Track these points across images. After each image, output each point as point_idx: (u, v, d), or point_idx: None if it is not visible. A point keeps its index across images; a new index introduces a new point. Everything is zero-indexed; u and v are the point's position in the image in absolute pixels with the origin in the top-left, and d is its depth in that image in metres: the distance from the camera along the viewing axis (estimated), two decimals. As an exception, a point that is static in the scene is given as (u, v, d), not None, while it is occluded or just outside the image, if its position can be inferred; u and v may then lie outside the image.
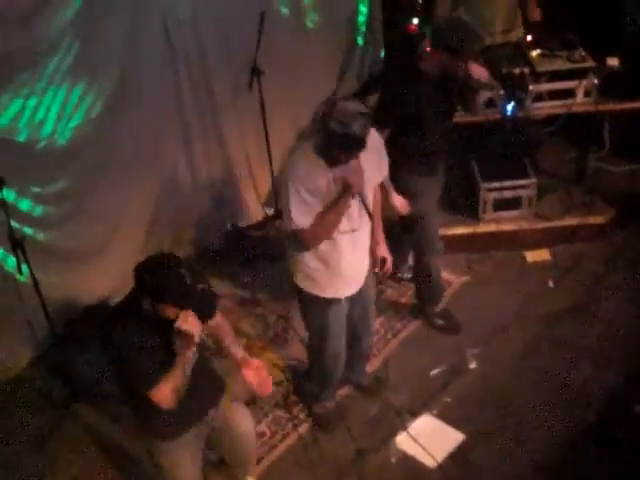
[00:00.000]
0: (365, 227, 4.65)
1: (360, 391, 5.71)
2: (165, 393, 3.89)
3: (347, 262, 4.65)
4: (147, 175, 6.34)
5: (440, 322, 6.16)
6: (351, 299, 4.91)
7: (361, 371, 5.68)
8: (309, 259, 4.63)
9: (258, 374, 4.34)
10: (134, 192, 6.29)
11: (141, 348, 3.86)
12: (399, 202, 5.42)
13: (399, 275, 6.52)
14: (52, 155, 5.59)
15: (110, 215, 6.17)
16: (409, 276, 6.45)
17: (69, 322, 6.18)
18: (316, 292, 4.78)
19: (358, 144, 4.15)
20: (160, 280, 3.76)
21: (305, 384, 5.60)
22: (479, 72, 5.37)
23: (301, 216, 4.35)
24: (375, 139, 4.47)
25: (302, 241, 4.49)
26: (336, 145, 4.19)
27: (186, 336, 3.81)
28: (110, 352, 3.98)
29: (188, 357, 3.89)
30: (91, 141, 5.76)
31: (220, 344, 4.41)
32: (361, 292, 4.93)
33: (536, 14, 7.05)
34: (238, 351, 4.41)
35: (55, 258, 5.86)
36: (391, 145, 4.91)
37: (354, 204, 4.42)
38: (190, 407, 4.13)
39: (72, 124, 5.62)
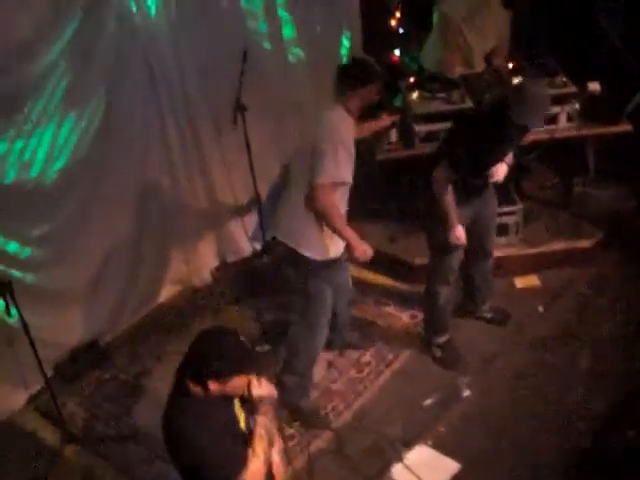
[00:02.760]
0: None
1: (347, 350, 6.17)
2: (258, 469, 3.62)
3: None
4: (133, 214, 6.35)
5: (439, 354, 6.13)
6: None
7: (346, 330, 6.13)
8: (318, 226, 5.15)
9: (277, 459, 4.11)
10: (120, 232, 6.29)
11: (213, 436, 3.54)
12: (461, 234, 5.56)
13: (478, 314, 6.46)
14: (40, 197, 5.60)
15: (97, 255, 6.18)
16: (489, 315, 6.43)
17: (59, 364, 6.15)
18: (328, 256, 5.26)
19: (379, 73, 5.21)
20: (225, 355, 3.52)
21: (286, 379, 5.58)
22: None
23: (333, 170, 4.96)
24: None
25: (319, 198, 4.99)
26: (362, 70, 5.18)
27: (266, 401, 3.71)
28: (183, 452, 3.57)
29: (267, 424, 3.72)
30: (77, 182, 5.79)
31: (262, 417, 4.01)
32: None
33: (498, 61, 7.17)
34: (275, 427, 4.05)
35: (43, 300, 5.84)
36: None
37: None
38: None
39: (58, 165, 5.63)
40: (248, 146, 6.17)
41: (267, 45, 6.99)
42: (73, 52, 5.42)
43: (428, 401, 5.76)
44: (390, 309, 6.69)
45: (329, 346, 5.93)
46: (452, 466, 5.24)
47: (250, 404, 3.76)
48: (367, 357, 6.21)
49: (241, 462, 3.59)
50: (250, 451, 3.65)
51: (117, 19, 5.67)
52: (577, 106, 6.49)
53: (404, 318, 6.54)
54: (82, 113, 5.66)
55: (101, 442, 5.70)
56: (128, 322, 6.62)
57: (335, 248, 5.27)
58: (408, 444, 5.42)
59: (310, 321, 5.44)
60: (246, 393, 3.72)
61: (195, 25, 6.24)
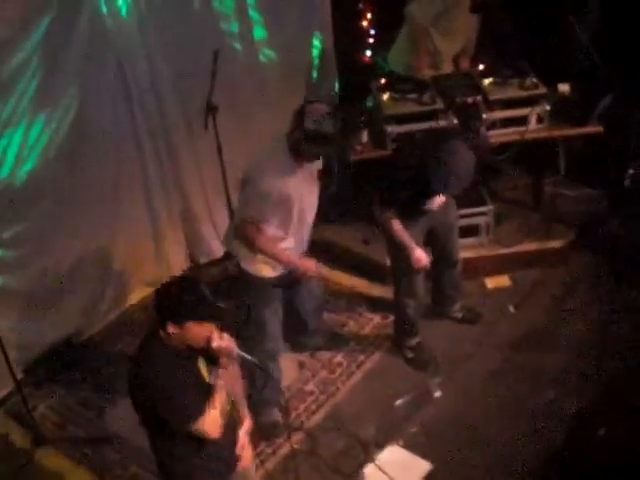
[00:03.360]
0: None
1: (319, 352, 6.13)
2: (215, 419, 3.78)
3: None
4: (105, 216, 6.31)
5: (410, 355, 6.18)
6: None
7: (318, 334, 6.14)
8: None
9: (245, 440, 4.28)
10: (92, 233, 6.25)
11: (176, 380, 3.72)
12: (422, 256, 5.58)
13: (449, 315, 6.49)
14: (9, 198, 5.56)
15: (68, 257, 6.14)
16: (460, 315, 6.46)
17: (29, 366, 6.11)
18: (264, 274, 5.19)
19: (332, 140, 4.67)
20: (183, 299, 3.69)
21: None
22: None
23: (259, 211, 4.87)
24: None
25: (251, 238, 4.98)
26: (310, 141, 4.64)
27: (224, 354, 3.78)
28: (142, 393, 3.78)
29: (230, 377, 3.83)
30: (47, 183, 5.75)
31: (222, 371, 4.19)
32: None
33: (466, 64, 7.22)
34: (243, 406, 4.31)
35: (14, 302, 5.82)
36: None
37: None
38: (225, 456, 4.10)
39: (28, 166, 5.59)
40: (219, 147, 6.16)
41: (238, 46, 6.98)
42: (43, 52, 5.39)
43: (400, 401, 5.77)
44: (362, 310, 6.70)
45: (302, 349, 6.01)
46: (424, 466, 5.24)
47: (213, 358, 3.85)
48: (339, 358, 6.22)
49: (199, 409, 3.74)
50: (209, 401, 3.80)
51: (88, 20, 5.63)
52: (547, 107, 6.52)
53: (376, 319, 6.56)
54: (52, 114, 5.63)
55: (74, 445, 5.67)
56: (100, 324, 6.58)
57: (271, 268, 5.23)
58: (380, 444, 5.43)
59: (257, 339, 5.39)
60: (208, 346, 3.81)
61: (166, 26, 6.21)
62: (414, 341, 6.17)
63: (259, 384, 5.46)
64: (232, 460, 4.18)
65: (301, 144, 4.72)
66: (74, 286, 6.25)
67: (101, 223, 6.31)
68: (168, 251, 6.95)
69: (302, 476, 5.28)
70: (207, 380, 3.88)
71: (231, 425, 4.09)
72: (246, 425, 4.28)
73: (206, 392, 3.82)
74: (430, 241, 5.91)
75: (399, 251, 5.59)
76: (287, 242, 5.13)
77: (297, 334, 6.03)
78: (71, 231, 6.06)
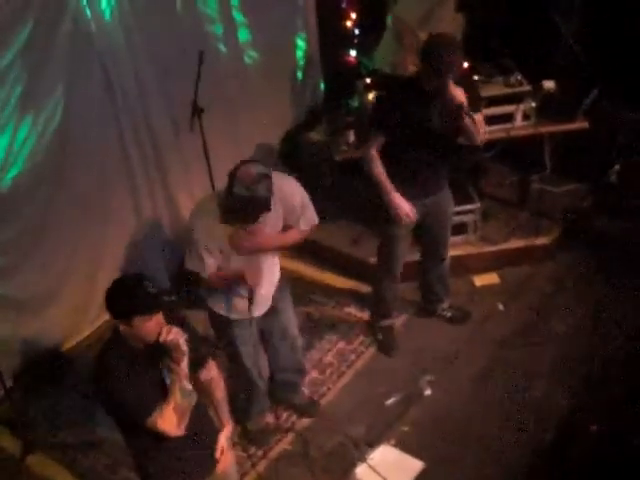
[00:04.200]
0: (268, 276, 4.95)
1: (294, 411, 5.82)
2: (169, 416, 3.76)
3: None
4: (92, 222, 6.29)
5: (380, 337, 6.31)
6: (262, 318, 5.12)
7: (295, 390, 5.79)
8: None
9: (224, 444, 4.27)
10: (80, 240, 6.24)
11: (132, 379, 3.73)
12: (401, 203, 5.46)
13: (438, 313, 6.47)
14: (-2, 203, 5.56)
15: (57, 262, 6.11)
16: (449, 314, 6.44)
17: (20, 372, 6.08)
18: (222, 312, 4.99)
19: (264, 206, 4.34)
20: (125, 294, 3.71)
21: (234, 401, 5.54)
22: (455, 93, 5.16)
23: (197, 264, 4.65)
24: (288, 193, 4.63)
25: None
26: (242, 208, 4.36)
27: (172, 348, 3.75)
28: (101, 393, 3.81)
29: (182, 372, 3.81)
30: (34, 188, 5.73)
31: (210, 397, 4.26)
32: (270, 310, 5.13)
33: (409, 66, 7.06)
34: (224, 411, 4.32)
35: (3, 309, 5.80)
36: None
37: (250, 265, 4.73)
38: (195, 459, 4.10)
39: (14, 172, 5.57)
40: (206, 148, 6.16)
41: (223, 48, 6.98)
42: (27, 56, 5.37)
43: (391, 400, 5.78)
44: (351, 309, 6.70)
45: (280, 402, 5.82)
46: (416, 465, 5.25)
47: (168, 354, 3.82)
48: (329, 358, 6.22)
49: (150, 407, 3.76)
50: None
51: (71, 23, 5.61)
52: (533, 104, 6.54)
53: (365, 318, 6.54)
54: (38, 118, 5.61)
55: (64, 450, 5.65)
56: (89, 329, 6.56)
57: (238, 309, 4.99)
58: (372, 444, 5.44)
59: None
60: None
61: (150, 28, 6.20)
62: (387, 323, 6.29)
63: (244, 395, 5.47)
64: (205, 462, 4.17)
65: (230, 210, 4.45)
66: (62, 292, 6.24)
67: (88, 228, 6.29)
68: (155, 253, 6.91)
69: (294, 477, 5.32)
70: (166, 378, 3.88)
71: (204, 428, 4.13)
72: (227, 430, 4.29)
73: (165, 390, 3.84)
74: (421, 232, 5.91)
75: (380, 213, 5.55)
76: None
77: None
78: (58, 236, 6.03)
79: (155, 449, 3.95)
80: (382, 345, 6.28)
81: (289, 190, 4.67)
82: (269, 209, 4.37)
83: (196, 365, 3.99)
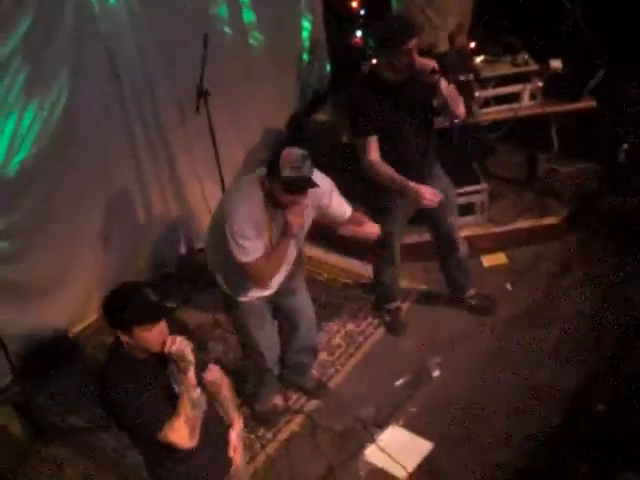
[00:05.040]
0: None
1: (303, 393, 5.83)
2: (180, 429, 3.68)
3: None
4: (98, 204, 6.30)
5: (387, 319, 6.33)
6: (276, 298, 5.14)
7: (304, 373, 5.79)
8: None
9: (236, 441, 4.25)
10: (86, 223, 6.25)
11: (139, 392, 3.64)
12: (424, 190, 5.27)
13: (464, 300, 6.36)
14: (2, 189, 5.54)
15: (63, 247, 6.12)
16: (473, 302, 6.32)
17: (28, 357, 6.09)
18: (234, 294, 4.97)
19: (310, 184, 4.39)
20: (125, 305, 3.61)
21: (244, 385, 5.56)
22: (423, 62, 5.15)
23: (243, 254, 4.55)
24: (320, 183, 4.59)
25: (249, 275, 4.69)
26: (291, 189, 4.39)
27: (178, 359, 3.69)
28: (109, 409, 3.74)
29: (190, 382, 3.78)
30: (40, 173, 5.72)
31: (215, 397, 4.22)
32: (288, 289, 5.16)
33: (462, 41, 7.07)
34: (232, 408, 4.28)
35: (10, 294, 5.80)
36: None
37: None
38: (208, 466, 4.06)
39: (20, 156, 5.56)
40: (212, 131, 6.15)
41: (228, 30, 6.96)
42: (31, 42, 5.35)
43: (399, 382, 5.78)
44: (359, 292, 6.70)
45: (288, 385, 5.86)
46: (425, 446, 5.26)
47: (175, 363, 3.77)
48: (337, 340, 6.23)
49: (161, 420, 3.67)
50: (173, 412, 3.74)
51: (75, 7, 5.59)
52: (540, 84, 6.51)
53: (372, 301, 6.54)
54: (43, 102, 5.60)
55: (73, 434, 5.67)
56: (96, 313, 6.55)
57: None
58: (381, 425, 5.45)
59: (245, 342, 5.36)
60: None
61: (155, 11, 6.18)
62: (393, 305, 6.32)
63: (254, 379, 5.48)
64: (222, 463, 4.15)
65: (279, 193, 4.44)
66: (70, 275, 6.24)
67: (94, 212, 6.30)
68: (163, 236, 6.93)
69: (303, 459, 5.32)
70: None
71: (216, 429, 4.08)
72: (237, 426, 4.25)
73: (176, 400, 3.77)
74: (426, 222, 5.92)
75: (380, 215, 5.47)
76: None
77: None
78: (65, 220, 6.04)
79: (171, 460, 3.89)
80: (390, 326, 6.29)
81: (318, 179, 4.61)
82: (315, 184, 4.43)
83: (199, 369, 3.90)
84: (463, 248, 6.08)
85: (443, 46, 7.06)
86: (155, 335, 3.63)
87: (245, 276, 4.71)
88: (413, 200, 5.30)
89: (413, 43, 5.04)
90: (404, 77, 5.16)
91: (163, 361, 3.75)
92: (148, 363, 3.73)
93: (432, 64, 5.12)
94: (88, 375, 6.01)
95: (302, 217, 4.58)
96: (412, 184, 5.25)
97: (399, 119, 5.30)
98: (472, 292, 6.31)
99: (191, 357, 3.67)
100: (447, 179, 5.83)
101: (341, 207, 4.93)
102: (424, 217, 5.84)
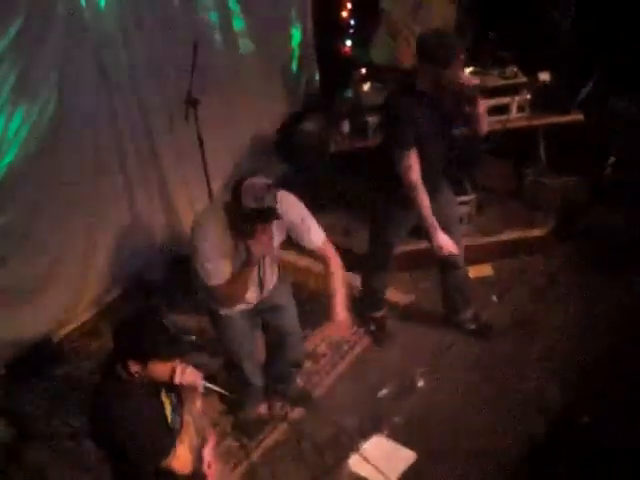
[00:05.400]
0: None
1: (287, 402, 5.79)
2: (184, 456, 3.70)
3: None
4: (85, 211, 6.27)
5: (372, 328, 6.30)
6: (261, 310, 5.14)
7: (289, 382, 5.77)
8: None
9: (210, 457, 4.20)
10: (72, 228, 6.22)
11: (142, 420, 3.62)
12: (444, 242, 5.33)
13: (461, 323, 6.25)
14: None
15: (48, 252, 6.09)
16: (472, 327, 6.22)
17: (12, 361, 6.07)
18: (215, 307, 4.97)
19: (273, 214, 4.34)
20: (145, 337, 3.58)
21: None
22: (467, 78, 5.20)
23: (208, 278, 4.59)
24: (286, 209, 4.59)
25: (216, 297, 4.80)
26: (252, 219, 4.34)
27: (189, 389, 3.69)
28: (109, 433, 3.65)
29: (198, 411, 3.75)
30: (28, 176, 5.69)
31: (189, 407, 4.06)
32: (271, 305, 5.15)
33: (406, 58, 7.02)
34: (204, 422, 4.18)
35: (-4, 297, 5.78)
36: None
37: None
38: None
39: (8, 159, 5.54)
40: (200, 139, 6.15)
41: (218, 37, 6.97)
42: (21, 45, 5.33)
43: (383, 391, 5.78)
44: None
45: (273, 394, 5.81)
46: (409, 456, 5.26)
47: (176, 392, 3.78)
48: (323, 348, 6.21)
49: (167, 448, 3.66)
50: (177, 438, 3.72)
51: (66, 11, 5.58)
52: (528, 96, 6.53)
53: (359, 309, 6.50)
54: (32, 106, 5.58)
55: (56, 439, 5.64)
56: (82, 318, 6.55)
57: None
58: (365, 435, 5.44)
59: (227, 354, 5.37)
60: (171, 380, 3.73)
61: (146, 17, 6.18)
62: (378, 314, 6.29)
63: (238, 388, 5.42)
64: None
65: (240, 223, 4.42)
66: (56, 280, 6.22)
67: (80, 217, 6.27)
68: (151, 243, 6.90)
69: (286, 468, 5.31)
70: (169, 415, 3.80)
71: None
72: (211, 442, 4.20)
73: (169, 430, 3.76)
74: (425, 236, 5.73)
75: (387, 223, 5.50)
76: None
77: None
78: (52, 224, 6.01)
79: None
80: (376, 337, 6.27)
81: (287, 206, 4.63)
82: (278, 216, 4.37)
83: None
84: (464, 271, 6.01)
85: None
86: (169, 367, 3.65)
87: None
88: (431, 244, 5.34)
89: (460, 60, 5.02)
90: (445, 92, 5.11)
91: (159, 387, 3.74)
92: (148, 390, 3.72)
93: (475, 81, 5.17)
94: (72, 380, 6.00)
95: (265, 246, 4.52)
96: (439, 233, 5.28)
97: (432, 133, 5.23)
98: (469, 315, 6.19)
99: (201, 388, 3.71)
100: (451, 193, 5.83)
101: (309, 236, 4.80)
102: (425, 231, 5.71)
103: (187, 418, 3.75)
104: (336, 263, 4.91)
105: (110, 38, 5.99)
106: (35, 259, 5.99)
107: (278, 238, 4.75)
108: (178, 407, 3.82)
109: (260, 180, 4.34)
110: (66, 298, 6.39)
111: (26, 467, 5.49)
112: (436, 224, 5.28)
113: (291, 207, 4.67)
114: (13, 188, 5.63)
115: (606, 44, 6.75)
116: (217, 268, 4.55)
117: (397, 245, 5.94)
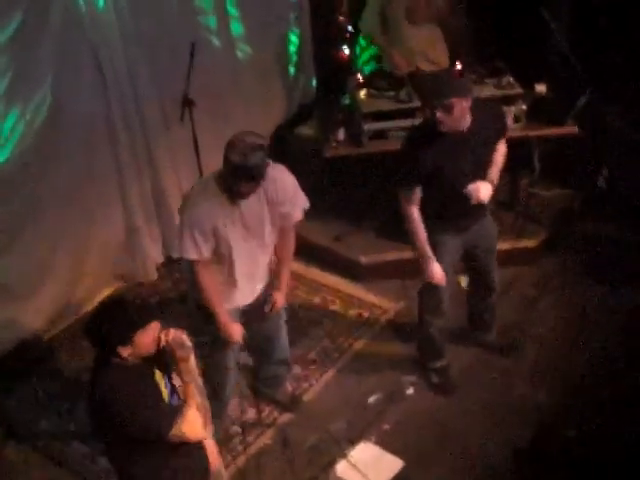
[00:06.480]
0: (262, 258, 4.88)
1: (276, 406, 5.78)
2: (194, 418, 3.71)
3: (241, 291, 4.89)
4: (78, 211, 6.28)
5: (435, 380, 5.93)
6: (247, 313, 5.06)
7: (278, 386, 5.76)
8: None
9: (211, 443, 4.20)
10: (65, 227, 6.22)
11: (142, 395, 3.62)
12: (436, 273, 5.29)
13: (486, 342, 6.17)
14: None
15: (41, 251, 6.10)
16: (497, 346, 6.13)
17: (1, 359, 6.06)
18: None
19: (258, 174, 4.31)
20: (117, 319, 3.60)
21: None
22: (474, 191, 5.12)
23: (191, 250, 4.54)
24: (277, 177, 4.58)
25: (193, 271, 4.69)
26: (237, 176, 4.33)
27: (177, 346, 3.70)
28: (109, 414, 3.63)
29: (193, 369, 3.77)
30: (21, 176, 5.70)
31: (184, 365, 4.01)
32: (259, 305, 5.10)
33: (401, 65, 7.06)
34: (207, 410, 4.10)
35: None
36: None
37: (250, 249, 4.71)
38: None
39: (1, 159, 5.55)
40: (196, 142, 6.15)
41: (215, 41, 6.98)
42: (16, 46, 5.34)
43: (372, 398, 5.79)
44: (336, 307, 6.70)
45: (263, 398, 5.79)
46: (396, 463, 5.23)
47: (168, 361, 3.78)
48: (312, 355, 6.21)
49: (172, 415, 3.67)
50: (182, 403, 3.75)
51: (62, 11, 5.59)
52: (524, 107, 6.54)
53: (350, 316, 6.56)
54: (27, 106, 5.59)
55: (44, 439, 5.64)
56: (71, 317, 6.54)
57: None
58: (352, 441, 5.43)
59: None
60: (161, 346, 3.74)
61: (143, 18, 6.19)
62: (439, 364, 5.91)
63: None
64: (203, 467, 4.11)
65: (226, 178, 4.43)
66: (46, 279, 6.22)
67: (74, 216, 6.27)
68: (142, 244, 6.90)
69: (273, 472, 5.31)
70: (165, 396, 3.81)
71: None
72: (209, 428, 4.15)
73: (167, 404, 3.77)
74: (468, 264, 5.73)
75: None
76: (237, 289, 4.89)
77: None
78: (44, 224, 6.01)
79: (154, 465, 3.85)
80: (440, 388, 5.91)
81: (278, 175, 4.63)
82: (264, 177, 4.35)
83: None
84: (496, 295, 5.93)
85: (422, 65, 7.08)
86: (152, 335, 3.66)
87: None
88: (422, 270, 5.31)
89: (452, 101, 4.77)
90: (457, 129, 4.94)
91: (150, 366, 3.76)
92: (142, 369, 3.73)
93: (482, 197, 5.13)
94: (62, 378, 6.00)
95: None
96: (431, 264, 5.24)
97: (459, 170, 5.07)
98: (494, 333, 6.14)
99: (189, 342, 3.72)
100: (492, 222, 5.69)
101: (294, 210, 4.79)
102: (470, 259, 5.66)
103: (187, 379, 3.75)
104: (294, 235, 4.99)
105: (108, 39, 5.99)
106: (26, 258, 5.98)
107: (268, 216, 4.68)
108: (172, 386, 3.84)
109: (250, 137, 4.32)
110: (57, 297, 6.38)
111: (15, 467, 5.49)
112: (431, 254, 5.22)
113: (285, 175, 4.68)
114: (7, 187, 5.64)
115: (603, 57, 6.77)
116: (205, 239, 4.50)
117: (449, 277, 5.52)
